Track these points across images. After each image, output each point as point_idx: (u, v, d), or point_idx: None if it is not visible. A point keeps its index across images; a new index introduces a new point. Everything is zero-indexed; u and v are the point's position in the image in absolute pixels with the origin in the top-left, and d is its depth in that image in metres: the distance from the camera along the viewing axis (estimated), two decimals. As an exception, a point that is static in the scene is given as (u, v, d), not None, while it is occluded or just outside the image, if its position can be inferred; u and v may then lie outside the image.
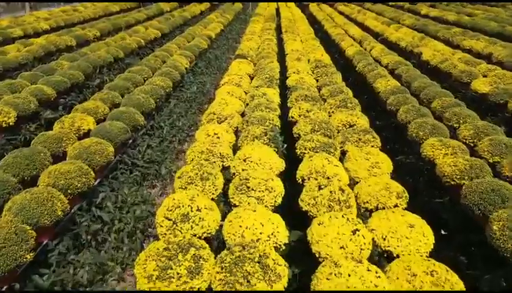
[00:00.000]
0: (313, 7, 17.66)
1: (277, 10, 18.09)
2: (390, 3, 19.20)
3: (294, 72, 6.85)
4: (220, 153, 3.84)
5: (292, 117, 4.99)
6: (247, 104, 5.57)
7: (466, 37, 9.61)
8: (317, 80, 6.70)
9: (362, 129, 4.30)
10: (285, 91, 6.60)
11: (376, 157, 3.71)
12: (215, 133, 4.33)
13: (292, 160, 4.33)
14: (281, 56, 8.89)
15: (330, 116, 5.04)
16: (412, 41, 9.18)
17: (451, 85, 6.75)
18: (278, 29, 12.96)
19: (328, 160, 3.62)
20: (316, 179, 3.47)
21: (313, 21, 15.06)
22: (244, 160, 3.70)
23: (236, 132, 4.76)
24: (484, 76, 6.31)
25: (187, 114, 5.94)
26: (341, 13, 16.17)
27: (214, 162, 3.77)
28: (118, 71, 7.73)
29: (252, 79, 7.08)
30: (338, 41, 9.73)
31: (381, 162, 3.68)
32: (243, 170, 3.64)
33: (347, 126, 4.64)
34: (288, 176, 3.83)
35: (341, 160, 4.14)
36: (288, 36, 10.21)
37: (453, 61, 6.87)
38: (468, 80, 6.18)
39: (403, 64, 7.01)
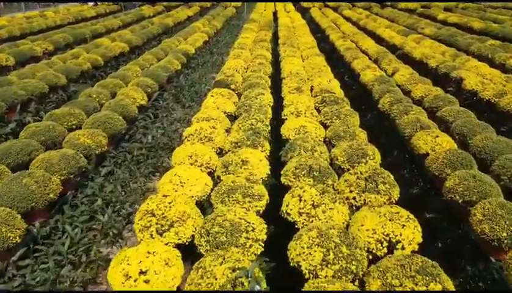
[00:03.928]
0: (315, 12, 15.64)
1: (275, 14, 16.07)
2: (400, 4, 17.20)
3: (291, 113, 4.83)
4: None
5: (289, 213, 2.96)
6: (218, 178, 3.56)
7: (511, 53, 7.59)
8: (325, 125, 4.69)
9: (418, 265, 2.26)
10: (277, 143, 4.59)
11: None
12: (141, 271, 2.31)
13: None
14: (277, 81, 6.89)
15: (352, 212, 3.01)
16: (444, 59, 7.15)
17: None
18: (275, 38, 10.96)
19: None
20: None
21: (316, 29, 13.04)
22: None
23: (188, 248, 2.75)
24: None
25: (126, 189, 3.86)
26: (347, 19, 14.13)
27: None
28: (55, 105, 5.71)
29: (233, 119, 5.07)
30: (349, 59, 7.70)
31: None
32: None
33: (386, 244, 2.61)
34: None
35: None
36: (286, 50, 8.18)
37: (519, 98, 4.85)
38: (551, 131, 4.17)
39: (446, 100, 4.98)
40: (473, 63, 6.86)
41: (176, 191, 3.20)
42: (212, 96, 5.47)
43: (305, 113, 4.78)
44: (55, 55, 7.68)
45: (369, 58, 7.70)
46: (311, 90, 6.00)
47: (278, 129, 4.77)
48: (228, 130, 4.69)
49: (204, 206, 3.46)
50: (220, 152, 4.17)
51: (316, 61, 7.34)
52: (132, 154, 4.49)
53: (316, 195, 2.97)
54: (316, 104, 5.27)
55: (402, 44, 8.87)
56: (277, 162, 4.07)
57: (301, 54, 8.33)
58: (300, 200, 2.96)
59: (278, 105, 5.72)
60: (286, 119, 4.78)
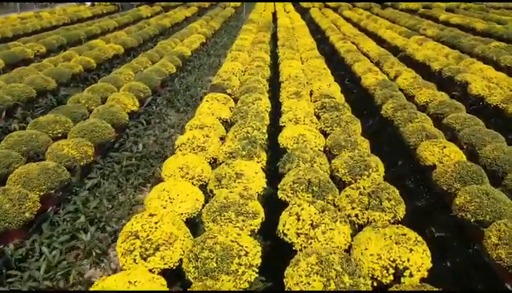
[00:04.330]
0: (314, 12, 15.40)
1: (274, 14, 15.84)
2: (400, 4, 16.96)
3: (290, 120, 4.60)
4: None
5: (286, 234, 2.73)
6: (211, 192, 3.33)
7: (516, 56, 7.36)
8: (325, 132, 4.46)
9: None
10: (275, 151, 4.37)
11: None
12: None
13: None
14: (276, 84, 6.66)
15: (355, 231, 2.78)
16: (448, 62, 6.92)
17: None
18: (274, 39, 10.74)
19: None
20: None
21: (316, 29, 12.82)
22: None
23: (176, 273, 2.52)
24: None
25: (114, 203, 3.58)
26: (347, 19, 13.90)
27: None
28: (44, 111, 5.47)
29: (229, 125, 4.85)
30: (349, 61, 7.47)
31: None
32: None
33: (392, 271, 2.38)
34: None
35: None
36: (285, 53, 7.95)
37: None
38: None
39: (452, 106, 4.75)
40: (478, 66, 6.63)
41: (164, 207, 2.97)
42: (207, 101, 5.24)
43: (304, 120, 4.54)
44: (47, 58, 7.45)
45: (371, 61, 7.47)
46: (311, 94, 5.78)
47: (276, 135, 4.56)
48: (223, 138, 4.46)
49: (196, 221, 3.24)
50: (214, 162, 3.95)
51: (316, 64, 7.11)
52: (121, 164, 4.24)
53: (315, 214, 2.73)
54: (316, 110, 5.04)
55: (404, 46, 8.63)
56: (274, 172, 3.85)
57: (300, 56, 8.10)
58: (298, 219, 2.73)
59: (276, 110, 5.51)
60: (284, 126, 4.55)
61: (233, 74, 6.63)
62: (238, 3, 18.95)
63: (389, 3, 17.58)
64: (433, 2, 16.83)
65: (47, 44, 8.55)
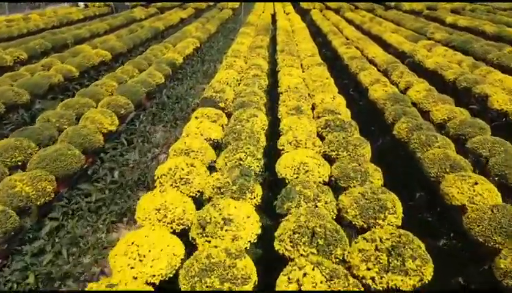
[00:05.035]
0: (315, 14, 14.79)
1: (273, 16, 15.24)
2: (404, 5, 16.34)
3: (289, 143, 3.99)
4: None
5: (283, 308, 2.13)
6: (193, 240, 2.73)
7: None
8: (329, 157, 3.86)
9: None
10: (272, 174, 3.79)
11: None
12: None
13: None
14: (275, 94, 6.08)
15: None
16: (462, 71, 6.32)
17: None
18: (273, 42, 10.16)
19: None
20: None
21: (316, 32, 12.23)
22: None
23: None
24: None
25: (76, 252, 2.93)
26: (350, 22, 13.29)
27: None
28: (14, 128, 4.86)
29: (220, 145, 4.26)
30: (354, 70, 6.87)
31: None
32: None
33: None
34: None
35: None
36: (285, 60, 7.35)
37: None
38: None
39: (475, 126, 4.14)
40: (496, 75, 6.03)
41: (132, 268, 2.37)
42: (196, 118, 4.65)
43: (305, 142, 3.94)
44: (25, 66, 6.84)
45: (378, 69, 6.87)
46: (313, 108, 5.18)
47: (275, 154, 3.99)
48: (212, 163, 3.87)
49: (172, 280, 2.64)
50: (200, 197, 3.35)
51: (318, 72, 6.51)
52: (90, 198, 3.63)
53: (321, 283, 2.14)
54: (319, 129, 4.44)
55: (412, 52, 8.04)
56: (271, 206, 3.26)
57: (301, 62, 7.51)
58: (300, 290, 2.13)
59: (274, 126, 4.93)
60: (282, 150, 3.96)
61: (227, 84, 6.03)
62: (236, 4, 18.35)
63: (392, 3, 17.00)
64: (438, 2, 16.25)
65: (29, 49, 7.94)
